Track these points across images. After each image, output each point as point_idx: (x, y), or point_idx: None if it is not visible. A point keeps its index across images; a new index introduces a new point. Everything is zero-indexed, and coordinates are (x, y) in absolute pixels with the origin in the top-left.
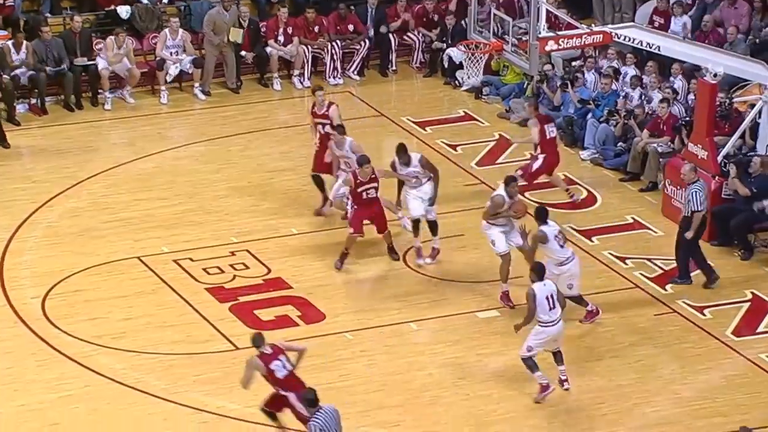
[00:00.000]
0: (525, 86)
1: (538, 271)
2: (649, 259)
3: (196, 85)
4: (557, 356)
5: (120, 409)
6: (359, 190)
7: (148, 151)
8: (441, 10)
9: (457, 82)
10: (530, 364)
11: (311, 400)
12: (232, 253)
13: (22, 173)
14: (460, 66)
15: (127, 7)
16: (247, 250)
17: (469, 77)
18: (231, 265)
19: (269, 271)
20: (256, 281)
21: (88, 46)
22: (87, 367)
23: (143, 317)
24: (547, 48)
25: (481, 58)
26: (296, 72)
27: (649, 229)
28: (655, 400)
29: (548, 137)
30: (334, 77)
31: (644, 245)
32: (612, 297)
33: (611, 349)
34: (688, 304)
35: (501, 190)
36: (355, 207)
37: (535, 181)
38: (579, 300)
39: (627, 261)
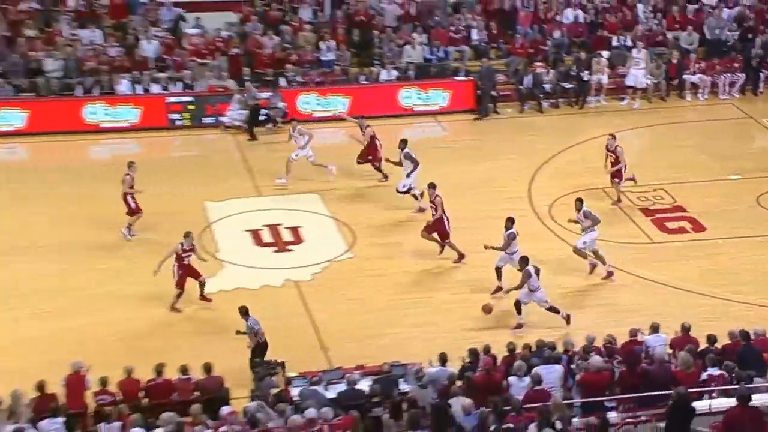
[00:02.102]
0: None
1: (527, 260)
2: None
3: (627, 98)
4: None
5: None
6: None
7: (600, 133)
8: None
9: None
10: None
11: (245, 312)
12: (654, 189)
13: (526, 145)
14: None
15: (607, 52)
16: (664, 189)
17: None
18: (652, 196)
19: (675, 200)
20: (666, 206)
21: (579, 70)
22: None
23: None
24: None
25: None
26: (700, 90)
27: None
28: None
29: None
30: (722, 94)
31: None
32: None
33: None
34: None
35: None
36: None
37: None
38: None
39: None
